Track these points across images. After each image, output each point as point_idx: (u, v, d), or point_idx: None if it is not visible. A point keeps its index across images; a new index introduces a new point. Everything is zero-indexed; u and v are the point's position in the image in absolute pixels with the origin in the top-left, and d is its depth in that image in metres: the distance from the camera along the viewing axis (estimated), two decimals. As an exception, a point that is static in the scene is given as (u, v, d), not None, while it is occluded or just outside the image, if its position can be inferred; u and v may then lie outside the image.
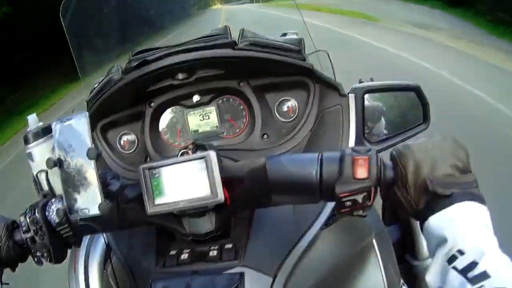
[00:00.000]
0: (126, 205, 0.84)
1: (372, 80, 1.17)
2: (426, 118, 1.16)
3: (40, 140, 0.99)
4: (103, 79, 1.15)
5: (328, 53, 1.16)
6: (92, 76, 1.30)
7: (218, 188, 0.75)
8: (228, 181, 0.78)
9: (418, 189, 0.70)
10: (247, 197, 0.82)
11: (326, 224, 0.97)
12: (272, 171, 0.78)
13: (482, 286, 0.57)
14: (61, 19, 1.20)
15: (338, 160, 0.74)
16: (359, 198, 0.71)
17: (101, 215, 0.76)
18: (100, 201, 0.75)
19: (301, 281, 0.90)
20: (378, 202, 0.94)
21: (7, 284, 0.91)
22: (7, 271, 0.90)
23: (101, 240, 1.11)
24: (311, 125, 1.16)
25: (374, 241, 1.09)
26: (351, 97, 1.12)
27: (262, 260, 0.88)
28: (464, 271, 0.60)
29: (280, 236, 0.94)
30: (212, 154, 0.76)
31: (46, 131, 0.99)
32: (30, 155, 1.00)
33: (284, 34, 1.20)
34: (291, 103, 1.21)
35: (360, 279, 1.05)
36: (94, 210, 0.76)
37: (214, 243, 0.90)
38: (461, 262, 0.61)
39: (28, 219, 0.85)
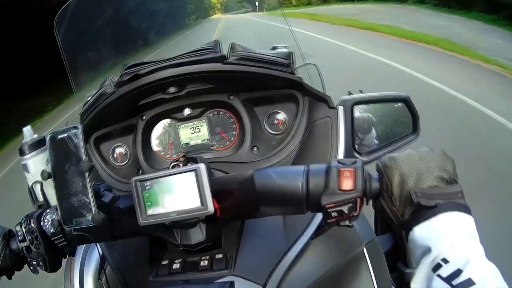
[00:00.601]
0: (118, 216, 0.85)
1: (361, 91, 1.18)
2: (416, 128, 1.17)
3: (35, 152, 1.00)
4: (96, 93, 1.16)
5: (317, 66, 1.17)
6: (86, 89, 1.31)
7: (208, 200, 0.77)
8: (218, 193, 0.80)
9: (403, 200, 0.71)
10: (237, 209, 0.83)
11: (316, 234, 0.99)
12: (260, 183, 0.80)
13: None
14: (55, 33, 1.21)
15: (324, 172, 0.75)
16: (345, 208, 0.73)
17: (95, 225, 0.77)
18: (93, 212, 0.76)
19: None
20: (370, 212, 0.95)
21: None
22: (3, 279, 0.91)
23: (96, 250, 1.12)
24: (300, 137, 1.18)
25: (364, 250, 1.10)
26: (340, 109, 1.14)
27: (252, 269, 0.89)
28: (448, 279, 0.61)
29: (270, 246, 0.95)
30: (202, 167, 0.77)
31: (41, 143, 1.01)
32: (25, 167, 1.02)
33: (274, 47, 1.21)
34: (281, 115, 1.23)
35: (352, 287, 1.06)
36: (88, 221, 0.77)
37: (205, 253, 0.91)
38: (445, 270, 0.62)
39: (24, 229, 0.87)
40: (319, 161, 1.09)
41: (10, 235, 0.90)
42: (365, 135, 1.19)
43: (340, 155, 1.10)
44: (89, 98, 1.20)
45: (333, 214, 0.74)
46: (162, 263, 0.94)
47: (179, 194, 0.79)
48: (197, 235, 0.85)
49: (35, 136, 1.03)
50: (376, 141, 1.20)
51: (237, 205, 0.83)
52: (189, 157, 0.86)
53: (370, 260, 1.09)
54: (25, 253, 0.87)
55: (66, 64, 1.24)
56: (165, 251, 0.97)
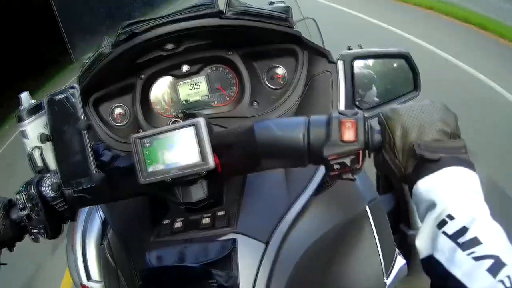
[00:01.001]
0: (119, 176, 0.85)
1: (361, 47, 1.18)
2: (416, 85, 1.16)
3: (33, 117, 1.00)
4: (94, 54, 1.16)
5: (315, 21, 1.16)
6: (84, 53, 1.30)
7: (209, 154, 0.76)
8: (218, 148, 0.79)
9: (406, 153, 0.70)
10: (237, 163, 0.83)
11: (318, 190, 0.98)
12: (260, 135, 0.79)
13: (473, 252, 0.56)
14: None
15: (326, 123, 0.74)
16: (348, 161, 0.72)
17: (94, 186, 0.77)
18: (93, 172, 0.76)
19: (294, 247, 0.91)
20: (372, 171, 0.94)
21: (5, 264, 0.92)
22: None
23: (97, 215, 1.12)
24: (300, 92, 1.18)
25: (367, 209, 1.10)
26: (340, 63, 1.13)
27: (254, 227, 0.89)
28: (454, 236, 0.59)
29: (272, 203, 0.95)
30: (202, 121, 0.77)
31: (38, 108, 1.00)
32: (24, 133, 1.02)
33: (272, 3, 1.21)
34: (280, 70, 1.22)
35: (355, 246, 1.05)
36: (87, 182, 0.77)
37: (207, 211, 0.91)
38: (451, 227, 0.60)
39: (24, 196, 0.86)
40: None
41: (10, 205, 0.89)
42: (366, 91, 1.19)
43: (341, 109, 1.09)
44: (87, 61, 1.19)
45: (336, 166, 0.72)
46: (164, 223, 0.94)
47: (179, 150, 0.78)
48: (199, 192, 0.84)
49: (33, 101, 1.02)
50: (376, 98, 1.19)
51: (238, 159, 0.82)
52: (188, 113, 0.86)
53: (373, 219, 1.09)
54: (26, 221, 0.86)
55: (61, 27, 1.23)
56: (166, 211, 0.97)
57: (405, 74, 1.17)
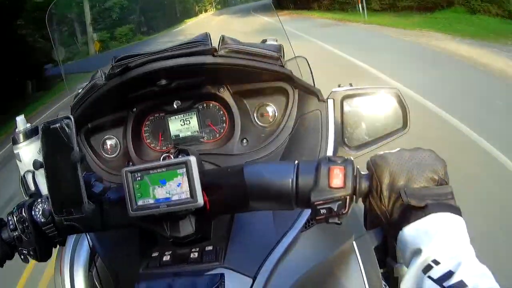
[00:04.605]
0: (109, 207, 0.86)
1: (351, 85, 1.19)
2: (405, 122, 1.18)
3: (28, 141, 1.02)
4: (87, 84, 1.17)
5: (307, 59, 1.17)
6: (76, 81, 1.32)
7: (198, 193, 0.77)
8: (208, 186, 0.80)
9: (393, 200, 0.71)
10: (226, 202, 0.84)
11: (306, 226, 1.00)
12: (250, 178, 0.80)
13: None
14: (47, 25, 1.22)
15: (314, 169, 0.76)
16: (334, 206, 0.73)
17: (85, 216, 0.78)
18: (84, 202, 0.78)
19: (281, 282, 0.92)
20: (360, 206, 0.96)
21: None
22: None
23: (86, 242, 1.13)
24: (290, 130, 1.19)
25: (354, 244, 1.11)
26: (330, 102, 1.15)
27: (242, 262, 0.90)
28: (440, 280, 0.60)
29: (260, 239, 0.96)
30: (193, 160, 0.78)
31: (33, 132, 1.02)
32: (18, 155, 1.03)
33: (264, 41, 1.22)
34: (270, 108, 1.24)
35: (341, 281, 1.06)
36: (78, 211, 0.79)
37: (195, 245, 0.92)
38: (436, 272, 0.62)
39: (15, 218, 0.88)
40: (309, 154, 1.09)
41: (1, 224, 0.91)
42: (355, 129, 1.20)
43: (330, 148, 1.11)
44: (80, 90, 1.20)
45: (322, 211, 0.74)
46: (153, 255, 0.94)
47: (169, 186, 0.79)
48: (187, 227, 0.86)
49: (28, 125, 1.04)
50: (366, 136, 1.20)
51: (227, 199, 0.83)
52: (180, 149, 0.87)
53: (359, 254, 1.11)
54: (16, 242, 0.88)
55: (58, 56, 1.25)
56: (155, 243, 0.98)
57: (395, 111, 1.18)
